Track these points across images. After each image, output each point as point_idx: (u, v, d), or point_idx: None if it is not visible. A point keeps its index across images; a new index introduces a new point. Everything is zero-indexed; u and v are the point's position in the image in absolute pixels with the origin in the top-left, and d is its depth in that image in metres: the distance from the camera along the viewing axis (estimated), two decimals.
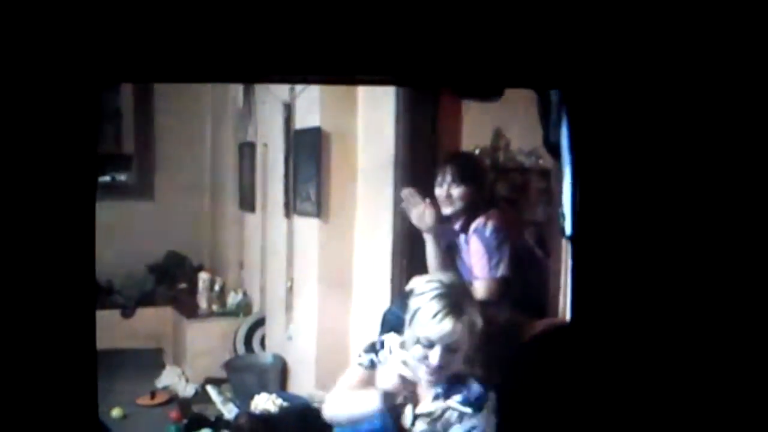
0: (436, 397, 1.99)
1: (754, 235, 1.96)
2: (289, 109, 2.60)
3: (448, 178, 2.22)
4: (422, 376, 1.99)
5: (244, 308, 2.79)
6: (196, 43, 1.85)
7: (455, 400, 1.96)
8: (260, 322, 2.75)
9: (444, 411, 1.97)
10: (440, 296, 1.98)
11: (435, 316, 1.96)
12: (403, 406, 2.03)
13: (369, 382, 2.09)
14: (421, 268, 2.21)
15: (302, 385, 2.55)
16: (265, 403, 2.31)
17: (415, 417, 2.01)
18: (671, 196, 1.96)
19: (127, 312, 2.67)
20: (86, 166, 1.86)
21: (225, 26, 1.85)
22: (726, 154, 1.95)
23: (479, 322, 1.97)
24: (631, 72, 1.94)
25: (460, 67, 1.95)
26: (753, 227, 1.96)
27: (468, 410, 1.95)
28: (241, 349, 2.71)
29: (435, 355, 1.96)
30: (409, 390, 2.03)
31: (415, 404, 2.02)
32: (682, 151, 1.95)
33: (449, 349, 1.96)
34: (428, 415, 1.99)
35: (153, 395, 2.53)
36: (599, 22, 1.94)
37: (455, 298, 1.98)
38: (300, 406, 2.31)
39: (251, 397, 2.36)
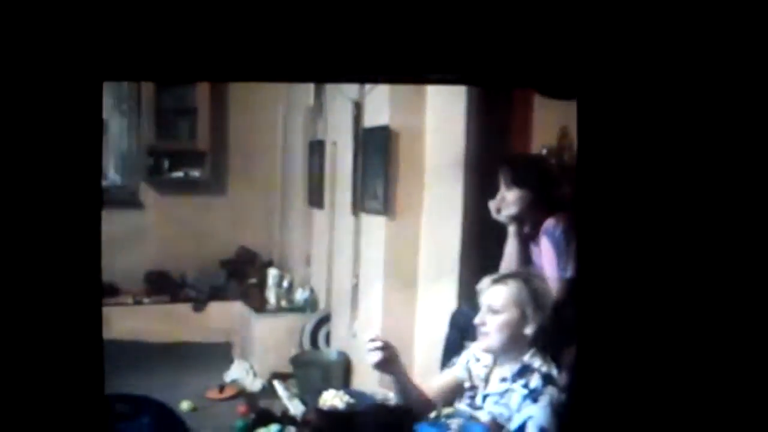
0: (503, 380, 2.08)
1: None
2: (358, 108, 2.61)
3: (504, 181, 2.22)
4: (478, 346, 2.12)
5: (310, 304, 2.82)
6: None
7: (518, 384, 2.04)
8: (326, 319, 2.77)
9: (506, 392, 2.05)
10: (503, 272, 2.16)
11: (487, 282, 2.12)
12: (477, 388, 2.13)
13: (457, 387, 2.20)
14: (491, 268, 2.19)
15: (366, 382, 2.55)
16: (332, 399, 2.32)
17: (485, 397, 2.10)
18: (685, 202, 1.92)
19: (199, 306, 2.73)
20: (91, 160, 1.81)
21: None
22: (746, 158, 1.91)
23: (524, 289, 2.07)
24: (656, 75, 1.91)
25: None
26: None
27: (524, 391, 2.01)
28: (307, 344, 2.73)
29: (479, 315, 2.10)
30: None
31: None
32: (698, 158, 1.91)
33: (491, 311, 2.07)
34: (495, 394, 2.08)
35: (222, 389, 2.57)
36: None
37: (513, 273, 2.13)
38: (369, 404, 2.31)
39: (316, 393, 2.38)
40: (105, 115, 2.60)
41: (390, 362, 2.16)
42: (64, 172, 1.77)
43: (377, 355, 2.17)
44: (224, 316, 2.76)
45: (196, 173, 2.75)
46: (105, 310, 2.53)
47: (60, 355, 1.78)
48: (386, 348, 2.15)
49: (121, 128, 2.64)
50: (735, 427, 1.91)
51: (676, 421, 1.92)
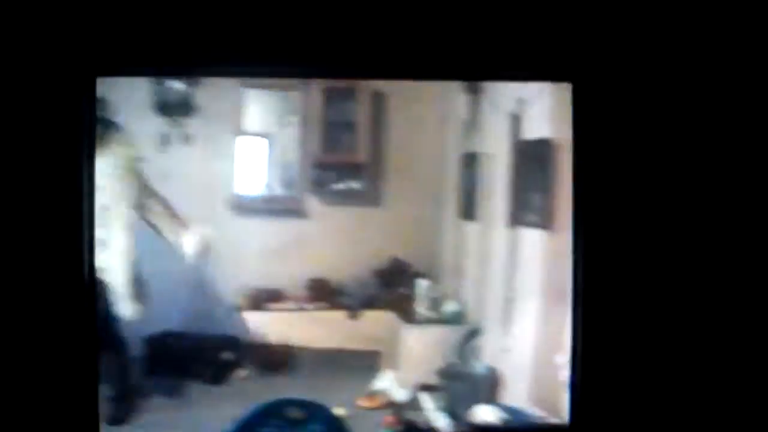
0: None
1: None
2: (516, 120, 2.58)
3: None
4: None
5: (459, 317, 2.81)
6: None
7: None
8: (475, 332, 2.75)
9: None
10: None
11: None
12: None
13: None
14: None
15: (514, 398, 2.51)
16: (485, 414, 2.30)
17: None
18: (680, 196, 1.96)
19: (353, 314, 2.78)
20: (83, 155, 1.81)
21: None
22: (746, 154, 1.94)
23: None
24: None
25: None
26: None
27: None
28: (454, 357, 2.72)
29: None
30: None
31: None
32: (695, 153, 1.97)
33: None
34: None
35: (371, 397, 2.59)
36: None
37: None
38: (526, 422, 2.28)
39: (463, 407, 2.36)
40: (272, 128, 2.73)
41: None
42: (56, 169, 1.80)
43: None
44: (375, 325, 2.79)
45: (356, 185, 2.81)
46: (271, 314, 2.67)
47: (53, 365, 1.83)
48: None
49: (288, 140, 2.75)
50: None
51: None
